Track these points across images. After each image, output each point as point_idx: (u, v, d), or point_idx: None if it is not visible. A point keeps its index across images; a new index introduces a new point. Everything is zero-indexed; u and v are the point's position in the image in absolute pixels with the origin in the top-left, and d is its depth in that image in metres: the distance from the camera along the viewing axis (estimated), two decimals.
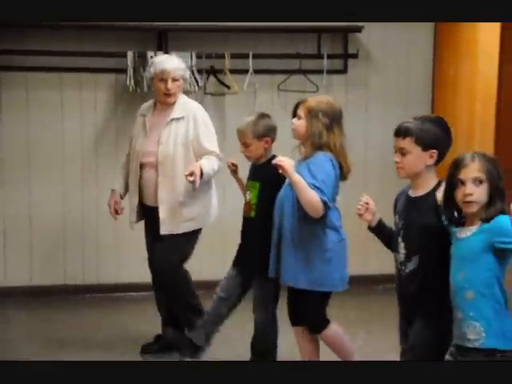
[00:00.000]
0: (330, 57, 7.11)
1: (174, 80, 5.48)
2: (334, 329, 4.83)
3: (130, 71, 6.78)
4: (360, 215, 3.92)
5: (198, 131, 5.42)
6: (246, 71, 6.95)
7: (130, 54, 6.78)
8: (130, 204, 5.74)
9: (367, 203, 3.88)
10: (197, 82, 6.94)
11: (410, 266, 3.76)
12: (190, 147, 5.40)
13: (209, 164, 5.34)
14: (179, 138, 5.41)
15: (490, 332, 3.44)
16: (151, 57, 6.82)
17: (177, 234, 5.42)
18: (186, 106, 5.54)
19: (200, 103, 6.43)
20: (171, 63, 5.54)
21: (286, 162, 4.49)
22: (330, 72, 7.13)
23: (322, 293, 4.70)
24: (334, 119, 4.57)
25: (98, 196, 6.88)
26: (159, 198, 5.48)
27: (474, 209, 3.46)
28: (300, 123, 4.70)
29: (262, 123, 5.16)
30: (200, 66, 6.99)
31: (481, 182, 3.44)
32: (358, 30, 7.05)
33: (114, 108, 7.09)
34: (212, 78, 7.05)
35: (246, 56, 6.95)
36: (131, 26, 6.87)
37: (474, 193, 3.42)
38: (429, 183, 3.78)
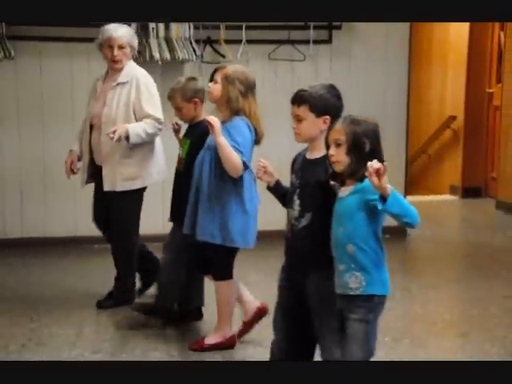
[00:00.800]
0: (315, 28, 7.03)
1: (121, 47, 5.42)
2: (231, 286, 4.88)
3: None
4: (259, 177, 3.95)
5: (139, 95, 5.37)
6: (239, 41, 6.86)
7: (132, 26, 6.52)
8: (82, 163, 5.71)
9: (264, 166, 3.88)
10: (194, 51, 6.86)
11: (303, 222, 3.76)
12: (130, 110, 5.34)
13: (139, 126, 5.32)
14: (122, 100, 5.37)
15: (369, 281, 3.50)
16: (153, 28, 6.79)
17: (120, 192, 5.40)
18: (132, 72, 5.49)
19: (198, 71, 6.53)
20: (118, 31, 5.47)
21: (216, 122, 4.51)
22: (315, 42, 7.08)
23: (231, 248, 4.75)
24: (249, 87, 4.59)
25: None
26: (102, 157, 5.48)
27: (338, 169, 3.52)
28: (216, 87, 4.75)
29: (190, 87, 5.13)
30: (197, 36, 6.87)
31: (339, 144, 3.48)
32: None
33: None
34: (208, 48, 6.97)
35: (239, 27, 6.82)
36: None
37: (335, 154, 3.48)
38: (323, 146, 3.73)
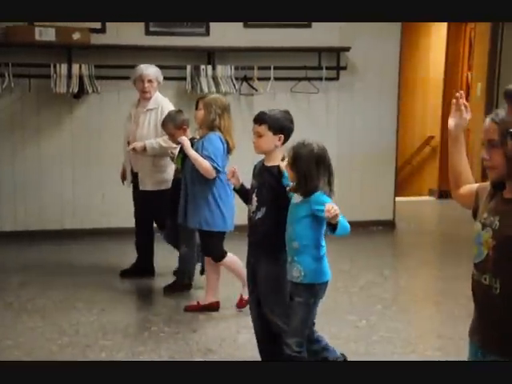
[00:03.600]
0: (327, 68, 7.01)
1: (149, 81, 5.34)
2: (230, 258, 4.78)
3: (188, 79, 6.71)
4: (228, 179, 3.88)
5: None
6: (268, 78, 6.85)
7: (188, 67, 6.72)
8: (127, 172, 5.64)
9: (233, 171, 3.79)
10: (234, 86, 6.81)
11: (259, 215, 3.69)
12: (158, 130, 5.26)
13: (155, 141, 5.21)
14: (151, 123, 5.31)
15: (309, 272, 3.43)
16: (203, 69, 6.80)
17: (150, 191, 5.35)
18: (158, 100, 5.42)
19: (238, 101, 6.59)
20: (147, 69, 5.41)
21: (185, 141, 4.53)
22: (327, 79, 7.04)
23: (217, 232, 4.66)
24: (224, 109, 4.52)
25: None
26: (137, 167, 5.42)
27: (291, 184, 3.43)
28: (200, 113, 4.75)
29: (179, 117, 5.04)
30: (237, 75, 6.85)
31: (290, 165, 3.39)
32: (347, 49, 6.97)
33: (176, 104, 6.71)
34: (245, 84, 6.92)
35: (268, 68, 6.84)
36: (189, 47, 6.83)
37: (289, 172, 3.40)
38: (277, 157, 3.67)
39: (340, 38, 7.03)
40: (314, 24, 6.94)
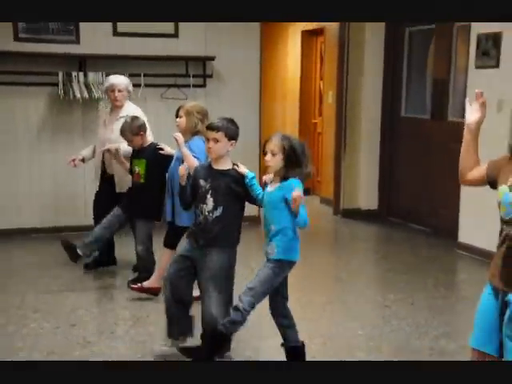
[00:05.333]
0: (194, 76, 6.86)
1: (119, 91, 5.30)
2: (170, 251, 4.78)
3: (61, 85, 6.39)
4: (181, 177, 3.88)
5: None
6: (139, 85, 6.56)
7: (60, 74, 6.40)
8: (95, 173, 5.54)
9: (184, 170, 3.83)
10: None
11: (216, 213, 3.70)
12: None
13: (126, 146, 5.14)
14: None
15: (280, 250, 3.48)
16: (75, 76, 6.53)
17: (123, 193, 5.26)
18: (129, 109, 5.34)
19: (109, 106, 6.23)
20: (117, 80, 5.38)
21: (180, 138, 4.44)
22: (194, 86, 6.88)
23: (179, 227, 4.65)
24: (204, 115, 4.54)
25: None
26: (113, 169, 5.34)
27: (270, 171, 3.52)
28: (181, 120, 4.67)
29: (135, 124, 4.99)
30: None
31: (274, 154, 3.43)
32: (212, 58, 6.86)
33: (50, 108, 6.67)
34: None
35: (138, 75, 6.62)
36: (60, 54, 6.51)
37: (270, 160, 3.44)
38: (228, 161, 3.73)
39: (206, 48, 6.96)
40: (180, 34, 6.91)
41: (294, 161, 3.47)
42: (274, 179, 3.57)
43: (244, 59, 7.20)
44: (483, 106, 2.63)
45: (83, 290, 5.12)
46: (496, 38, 5.65)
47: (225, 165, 3.76)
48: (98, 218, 5.42)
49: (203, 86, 6.97)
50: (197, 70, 6.91)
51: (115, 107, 5.40)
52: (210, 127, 3.75)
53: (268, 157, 3.49)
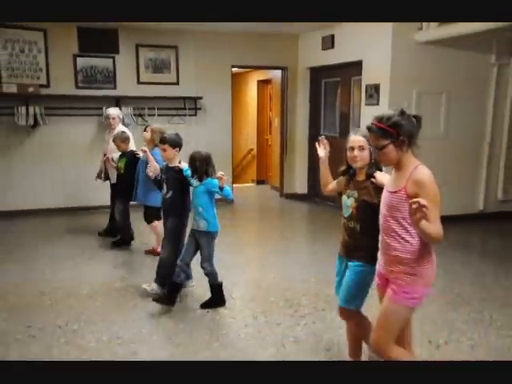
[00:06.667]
0: (189, 109, 7.46)
1: (113, 119, 5.40)
2: (156, 223, 4.71)
3: (104, 116, 6.37)
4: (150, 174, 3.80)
5: None
6: (154, 115, 7.12)
7: (104, 108, 6.66)
8: (99, 168, 5.58)
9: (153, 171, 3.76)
10: (133, 119, 7.05)
11: (169, 195, 3.71)
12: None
13: (114, 155, 5.14)
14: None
15: (209, 224, 3.55)
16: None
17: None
18: (119, 129, 5.37)
19: (134, 129, 6.55)
20: (111, 111, 5.46)
21: (147, 152, 4.33)
22: (189, 115, 7.48)
23: (154, 207, 4.61)
24: (162, 133, 4.30)
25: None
26: (112, 177, 5.32)
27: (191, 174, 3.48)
28: (147, 134, 4.66)
29: (123, 136, 5.02)
30: (134, 113, 7.07)
31: (190, 164, 3.43)
32: (201, 98, 7.46)
33: (97, 132, 6.98)
34: (139, 118, 7.15)
35: (154, 108, 7.10)
36: (103, 96, 6.85)
37: (190, 168, 3.44)
38: (176, 160, 3.72)
39: (196, 91, 7.57)
40: (180, 83, 7.45)
41: (200, 168, 3.42)
42: (195, 180, 3.41)
43: (221, 98, 7.70)
44: (325, 146, 2.74)
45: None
46: (376, 87, 6.25)
47: (174, 163, 3.72)
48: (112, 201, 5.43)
49: (195, 115, 7.59)
50: (191, 105, 7.52)
51: (111, 129, 5.42)
52: (160, 140, 3.73)
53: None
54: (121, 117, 5.57)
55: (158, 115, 7.30)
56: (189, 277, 3.92)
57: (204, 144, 7.54)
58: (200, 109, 7.67)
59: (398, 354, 2.28)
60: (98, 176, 5.70)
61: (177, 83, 7.52)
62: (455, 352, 3.20)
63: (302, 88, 8.18)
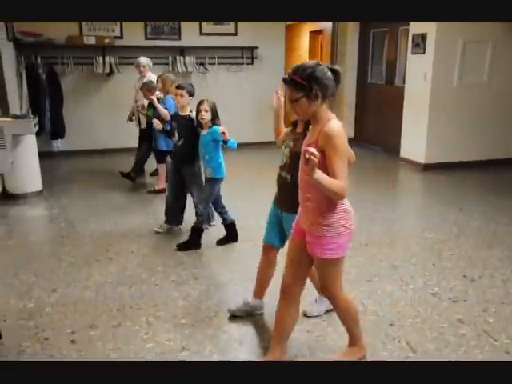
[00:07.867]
0: (246, 58, 7.33)
1: (143, 67, 5.22)
2: (162, 165, 4.70)
3: (170, 64, 6.87)
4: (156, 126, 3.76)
5: None
6: (214, 63, 7.04)
7: (170, 57, 6.84)
8: (129, 113, 5.40)
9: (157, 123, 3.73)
10: (196, 68, 7.02)
11: (180, 142, 3.55)
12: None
13: (144, 101, 4.91)
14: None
15: (214, 171, 3.44)
16: (178, 59, 6.84)
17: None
18: (148, 75, 5.23)
19: (196, 76, 6.89)
20: (142, 60, 5.27)
21: (155, 101, 4.33)
22: (246, 64, 7.35)
23: (158, 150, 4.61)
24: (173, 82, 4.37)
25: None
26: (141, 122, 5.12)
27: (203, 122, 3.35)
28: (159, 84, 4.63)
29: (149, 85, 4.84)
30: (196, 62, 7.02)
31: (206, 110, 3.27)
32: (256, 48, 7.28)
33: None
34: (201, 66, 7.11)
35: (214, 57, 7.02)
36: (169, 46, 6.81)
37: (205, 115, 3.29)
38: (187, 109, 3.55)
39: (253, 41, 7.41)
40: (238, 33, 7.30)
41: (213, 116, 3.33)
42: (204, 127, 3.32)
43: (275, 48, 7.53)
44: (280, 97, 2.46)
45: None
46: (423, 36, 5.96)
47: (186, 111, 3.57)
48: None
49: (251, 63, 7.45)
50: (247, 54, 7.40)
51: (141, 76, 5.25)
52: (178, 86, 3.57)
53: (203, 114, 3.28)
54: (150, 65, 5.36)
55: (218, 63, 7.25)
56: (211, 219, 3.88)
57: (259, 91, 7.68)
58: (256, 58, 7.53)
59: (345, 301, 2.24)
60: (129, 119, 5.57)
61: (235, 34, 7.36)
62: (488, 286, 3.13)
63: (351, 38, 7.90)
